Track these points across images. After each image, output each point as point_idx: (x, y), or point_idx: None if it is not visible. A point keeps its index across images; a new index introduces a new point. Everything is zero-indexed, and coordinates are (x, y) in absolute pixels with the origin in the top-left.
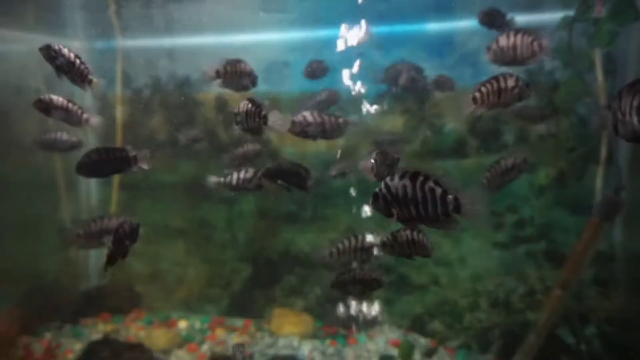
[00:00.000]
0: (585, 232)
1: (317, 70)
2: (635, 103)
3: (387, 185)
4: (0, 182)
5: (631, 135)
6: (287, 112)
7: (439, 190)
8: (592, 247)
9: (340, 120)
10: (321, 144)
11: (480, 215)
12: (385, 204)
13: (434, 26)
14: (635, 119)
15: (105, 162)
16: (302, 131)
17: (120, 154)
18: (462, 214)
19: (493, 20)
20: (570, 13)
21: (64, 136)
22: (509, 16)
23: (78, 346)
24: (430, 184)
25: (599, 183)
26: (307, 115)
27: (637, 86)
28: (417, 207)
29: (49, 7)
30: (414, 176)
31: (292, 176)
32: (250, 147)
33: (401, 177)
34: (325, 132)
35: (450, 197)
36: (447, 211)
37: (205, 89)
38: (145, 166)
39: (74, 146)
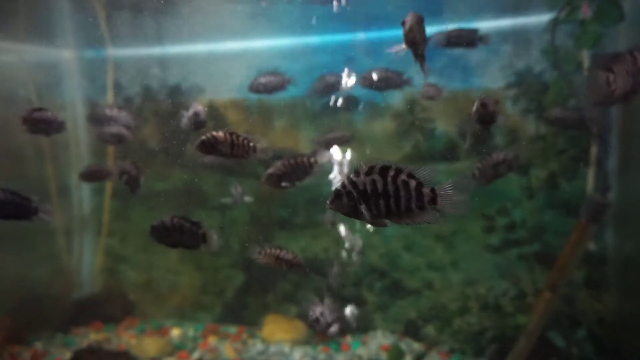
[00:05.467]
0: (573, 234)
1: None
2: None
3: (352, 182)
4: None
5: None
6: (276, 118)
7: (413, 183)
8: (579, 249)
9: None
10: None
11: (459, 205)
12: (350, 201)
13: None
14: None
15: (6, 205)
16: None
17: (23, 202)
18: (439, 205)
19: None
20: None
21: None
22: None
23: (68, 355)
24: (403, 177)
25: (590, 184)
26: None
27: None
28: (388, 202)
29: (39, 17)
30: (383, 170)
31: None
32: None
33: (368, 173)
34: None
35: (426, 189)
36: (422, 204)
37: (196, 95)
38: (47, 218)
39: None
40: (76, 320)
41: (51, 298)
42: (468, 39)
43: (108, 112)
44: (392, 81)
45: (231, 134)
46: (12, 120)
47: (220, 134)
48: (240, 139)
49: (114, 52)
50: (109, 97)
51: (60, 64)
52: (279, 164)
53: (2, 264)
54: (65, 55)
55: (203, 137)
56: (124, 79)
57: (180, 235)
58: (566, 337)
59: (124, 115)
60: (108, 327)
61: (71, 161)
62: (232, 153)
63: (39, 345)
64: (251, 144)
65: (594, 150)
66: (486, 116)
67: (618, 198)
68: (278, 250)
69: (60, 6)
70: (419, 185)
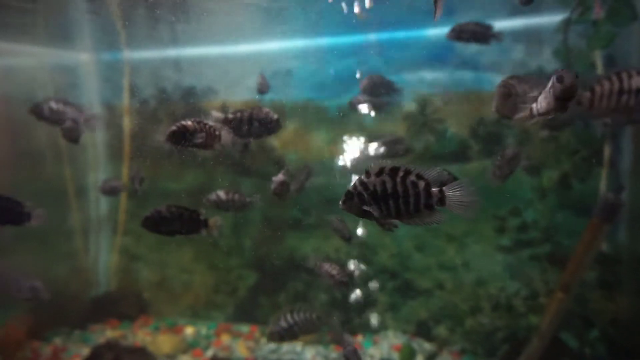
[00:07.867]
0: (585, 234)
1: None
2: None
3: (362, 183)
4: (12, 192)
5: None
6: (291, 119)
7: (422, 184)
8: (592, 249)
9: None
10: (324, 150)
11: (467, 205)
12: (360, 202)
13: (434, 31)
14: None
15: None
16: None
17: (15, 207)
18: (447, 206)
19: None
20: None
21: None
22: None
23: (86, 351)
24: (412, 177)
25: (603, 184)
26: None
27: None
28: (398, 203)
29: (58, 22)
30: (393, 171)
31: None
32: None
33: (378, 174)
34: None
35: (434, 190)
36: (430, 204)
37: (210, 97)
38: (39, 222)
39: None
40: (93, 317)
41: (69, 296)
42: (482, 35)
43: (54, 106)
44: (383, 88)
45: (199, 122)
46: (32, 122)
47: (189, 123)
48: (207, 126)
49: (130, 54)
50: (125, 98)
51: (78, 67)
52: (283, 170)
53: (23, 264)
54: (83, 58)
55: (173, 128)
56: (140, 81)
57: (179, 223)
58: (579, 338)
59: (70, 111)
60: (124, 325)
61: (88, 162)
62: (201, 142)
63: (58, 341)
64: (216, 132)
65: (607, 151)
66: (566, 93)
67: (631, 198)
68: (327, 265)
69: (78, 10)
70: (428, 185)
